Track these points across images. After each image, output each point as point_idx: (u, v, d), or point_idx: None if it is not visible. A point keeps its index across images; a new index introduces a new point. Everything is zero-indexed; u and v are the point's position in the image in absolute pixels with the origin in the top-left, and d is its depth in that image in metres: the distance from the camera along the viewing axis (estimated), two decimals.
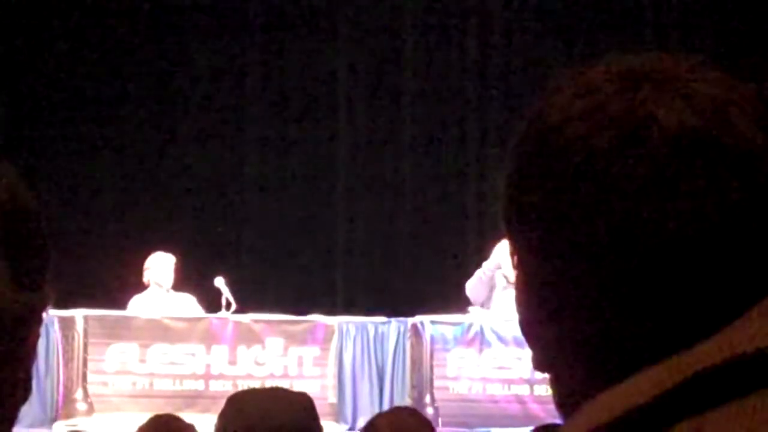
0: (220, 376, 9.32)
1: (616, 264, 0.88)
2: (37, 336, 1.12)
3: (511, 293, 9.38)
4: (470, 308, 9.71)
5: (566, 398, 0.94)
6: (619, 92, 0.91)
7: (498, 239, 9.75)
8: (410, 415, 3.26)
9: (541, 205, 0.91)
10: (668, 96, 0.90)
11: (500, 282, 9.60)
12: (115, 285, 10.36)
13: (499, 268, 9.55)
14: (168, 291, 9.61)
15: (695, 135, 0.89)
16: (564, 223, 0.90)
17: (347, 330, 9.73)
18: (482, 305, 9.69)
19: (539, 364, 0.96)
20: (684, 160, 0.88)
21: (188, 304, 9.64)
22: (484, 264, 9.69)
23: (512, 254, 0.96)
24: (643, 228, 0.88)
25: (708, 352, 0.83)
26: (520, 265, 0.95)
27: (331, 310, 10.33)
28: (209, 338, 9.38)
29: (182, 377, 9.30)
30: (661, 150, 0.88)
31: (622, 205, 0.88)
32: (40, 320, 1.12)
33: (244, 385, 9.20)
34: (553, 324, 0.93)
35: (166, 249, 9.78)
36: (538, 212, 0.92)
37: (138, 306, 9.52)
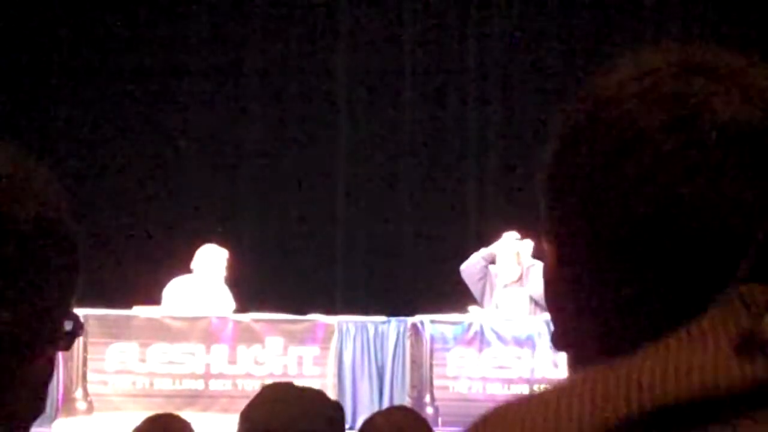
0: (220, 376, 9.32)
1: (648, 242, 0.89)
2: (49, 356, 1.09)
3: (511, 292, 9.39)
4: (470, 308, 9.71)
5: None
6: (675, 77, 0.92)
7: (498, 238, 9.76)
8: (407, 415, 3.25)
9: (583, 176, 0.92)
10: (724, 86, 0.91)
11: (499, 281, 9.61)
12: (115, 284, 10.35)
13: (493, 262, 9.56)
14: (216, 284, 9.60)
15: (746, 126, 0.90)
16: (602, 197, 0.91)
17: (347, 329, 9.73)
18: (479, 302, 9.70)
19: (558, 341, 0.97)
20: (732, 149, 0.89)
21: (220, 296, 9.61)
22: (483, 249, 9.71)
23: (544, 223, 0.97)
24: (681, 209, 0.89)
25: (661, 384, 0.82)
26: (551, 236, 0.96)
27: (330, 310, 10.33)
28: (209, 337, 9.38)
29: (182, 376, 9.29)
30: (711, 136, 0.89)
31: (665, 185, 0.89)
32: (53, 340, 1.09)
33: (243, 385, 9.21)
34: (574, 298, 0.94)
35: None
36: (578, 182, 0.92)
37: (176, 291, 9.49)
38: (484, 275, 9.62)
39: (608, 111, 0.92)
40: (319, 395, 2.88)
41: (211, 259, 9.61)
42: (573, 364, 0.96)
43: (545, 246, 0.97)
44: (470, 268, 9.64)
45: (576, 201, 0.92)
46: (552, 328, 0.98)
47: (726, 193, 0.88)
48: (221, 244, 9.87)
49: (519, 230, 9.74)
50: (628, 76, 0.94)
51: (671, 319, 0.88)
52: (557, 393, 0.84)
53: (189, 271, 9.63)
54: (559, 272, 0.95)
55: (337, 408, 2.85)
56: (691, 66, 0.93)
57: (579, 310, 0.94)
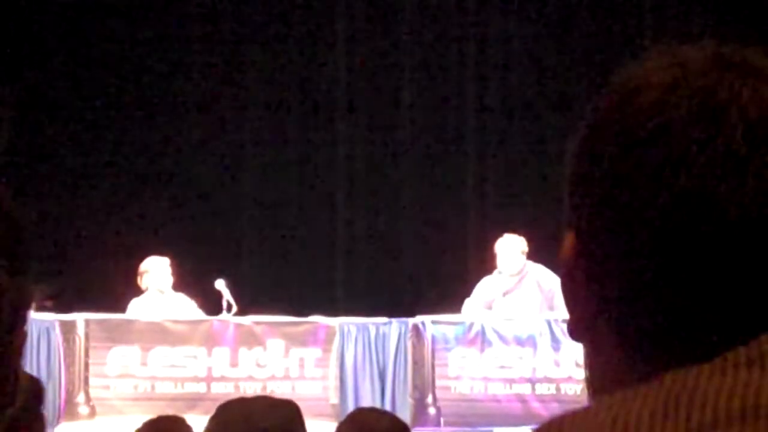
0: (222, 379, 9.32)
1: (668, 232, 0.89)
2: (24, 337, 1.12)
3: (512, 299, 9.31)
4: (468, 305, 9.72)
5: (598, 376, 0.94)
6: (707, 70, 0.92)
7: (498, 237, 9.76)
8: (378, 418, 3.20)
9: (607, 164, 0.92)
10: (754, 83, 0.92)
11: (501, 281, 9.63)
12: (116, 288, 10.35)
13: (490, 307, 9.59)
14: (164, 293, 9.62)
15: None
16: (627, 183, 0.91)
17: (348, 331, 9.72)
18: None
19: (574, 331, 0.96)
20: (758, 144, 0.89)
21: (185, 304, 9.64)
22: (468, 301, 9.71)
23: (568, 207, 0.97)
24: (703, 201, 0.88)
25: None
26: (572, 224, 0.96)
27: (332, 311, 10.32)
28: (210, 340, 9.39)
29: (184, 380, 9.30)
30: (738, 129, 0.89)
31: (689, 175, 0.89)
32: (24, 319, 1.13)
33: (245, 387, 9.21)
34: (590, 288, 0.93)
35: (167, 252, 9.78)
36: (602, 170, 0.92)
37: (137, 310, 9.52)
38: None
39: (636, 99, 0.92)
40: (270, 399, 2.90)
41: (159, 271, 9.63)
42: (589, 355, 0.96)
43: (565, 235, 0.97)
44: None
45: (598, 189, 0.92)
46: (567, 318, 0.98)
47: (748, 187, 0.88)
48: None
49: (519, 232, 9.76)
50: (658, 66, 0.94)
51: (692, 316, 0.88)
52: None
53: (175, 278, 9.67)
54: (577, 261, 0.95)
55: (292, 408, 2.85)
56: (723, 61, 0.93)
57: (595, 301, 0.93)
